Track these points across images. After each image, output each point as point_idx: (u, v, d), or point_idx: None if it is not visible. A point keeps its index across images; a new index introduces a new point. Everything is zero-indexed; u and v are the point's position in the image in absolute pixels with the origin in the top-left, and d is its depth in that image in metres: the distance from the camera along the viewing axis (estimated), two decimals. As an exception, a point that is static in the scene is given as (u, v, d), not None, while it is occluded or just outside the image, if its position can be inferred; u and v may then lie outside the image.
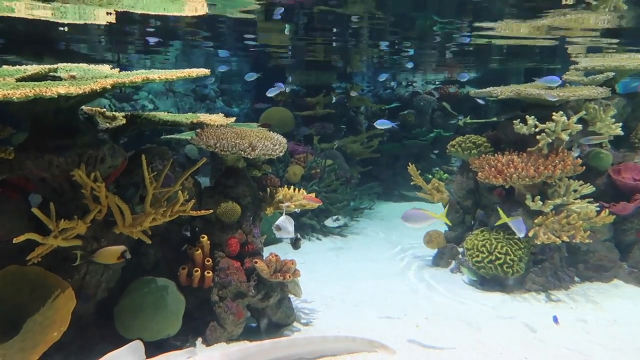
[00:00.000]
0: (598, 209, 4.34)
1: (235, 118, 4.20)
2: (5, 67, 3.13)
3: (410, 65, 8.09)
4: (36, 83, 2.58)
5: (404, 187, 8.65)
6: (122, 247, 2.92)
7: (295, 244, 3.34)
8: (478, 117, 9.06)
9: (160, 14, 4.99)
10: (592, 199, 4.39)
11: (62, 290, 2.70)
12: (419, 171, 5.38)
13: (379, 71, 12.87)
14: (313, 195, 3.91)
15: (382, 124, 3.61)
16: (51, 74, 3.06)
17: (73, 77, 2.99)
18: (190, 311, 3.37)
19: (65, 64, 3.38)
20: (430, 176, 8.12)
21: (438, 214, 3.41)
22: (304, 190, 3.95)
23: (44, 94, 2.28)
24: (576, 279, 4.70)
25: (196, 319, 3.47)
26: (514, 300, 4.28)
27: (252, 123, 6.24)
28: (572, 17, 5.19)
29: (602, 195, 4.72)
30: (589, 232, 4.20)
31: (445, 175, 8.69)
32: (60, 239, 2.66)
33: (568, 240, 4.17)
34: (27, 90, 2.27)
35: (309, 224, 6.51)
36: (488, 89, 5.08)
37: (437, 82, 13.30)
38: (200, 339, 3.46)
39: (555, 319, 3.81)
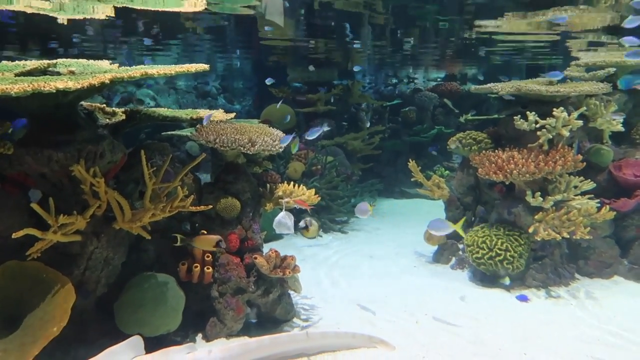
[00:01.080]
0: (599, 205, 4.33)
1: (235, 114, 4.20)
2: (4, 62, 3.13)
3: (358, 69, 8.22)
4: (35, 78, 2.58)
5: (405, 183, 8.65)
6: (217, 237, 3.08)
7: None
8: (479, 113, 9.04)
9: (159, 9, 4.97)
10: (592, 195, 4.38)
11: (62, 286, 2.70)
12: (420, 168, 5.38)
13: (380, 68, 12.86)
14: (313, 192, 3.91)
15: (312, 134, 3.57)
16: (50, 69, 3.06)
17: (72, 72, 2.99)
18: (190, 307, 3.38)
19: (64, 59, 3.38)
20: (431, 173, 8.11)
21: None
22: (304, 187, 3.95)
23: (42, 88, 2.28)
24: (576, 275, 4.69)
25: (196, 315, 3.48)
26: (514, 297, 4.28)
27: (253, 120, 6.23)
28: (574, 13, 5.16)
29: (603, 191, 4.71)
30: (589, 228, 4.19)
31: (447, 172, 8.68)
32: (60, 234, 2.66)
33: (568, 236, 4.16)
34: (26, 85, 2.27)
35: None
36: (489, 85, 5.06)
37: (438, 79, 13.27)
38: (200, 335, 3.47)
39: (522, 298, 3.86)
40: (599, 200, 4.41)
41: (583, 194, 4.37)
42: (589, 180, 4.38)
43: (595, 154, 4.84)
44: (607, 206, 4.36)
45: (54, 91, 2.30)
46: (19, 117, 3.12)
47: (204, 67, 2.99)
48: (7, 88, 2.19)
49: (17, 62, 3.14)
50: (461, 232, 3.75)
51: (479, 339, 3.49)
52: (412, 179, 5.45)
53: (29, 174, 2.83)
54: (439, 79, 13.41)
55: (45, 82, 2.33)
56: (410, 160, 5.35)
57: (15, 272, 2.72)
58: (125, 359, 2.63)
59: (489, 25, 6.32)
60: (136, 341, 2.74)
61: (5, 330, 2.62)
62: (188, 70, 2.86)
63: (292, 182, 3.97)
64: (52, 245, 2.71)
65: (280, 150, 3.63)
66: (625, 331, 3.62)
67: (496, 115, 7.82)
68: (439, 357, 3.23)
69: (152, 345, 2.88)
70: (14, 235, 2.43)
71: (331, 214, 6.72)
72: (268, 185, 3.88)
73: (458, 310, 4.00)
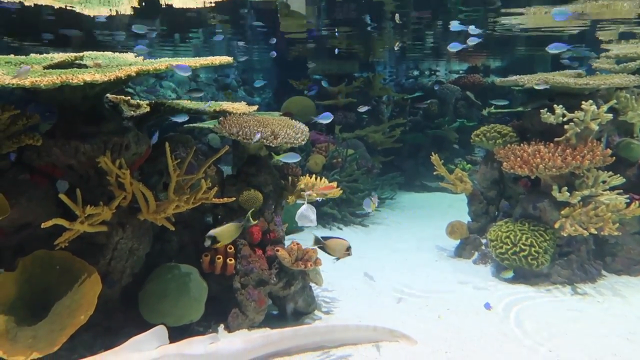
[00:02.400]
0: (628, 200, 4.22)
1: (257, 107, 4.20)
2: (32, 55, 3.18)
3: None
4: (63, 70, 2.62)
5: (425, 177, 8.58)
6: (347, 242, 3.14)
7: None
8: (502, 107, 8.88)
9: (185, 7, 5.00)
10: (621, 191, 4.26)
11: (89, 275, 2.75)
12: (442, 161, 5.32)
13: (401, 60, 12.73)
14: (334, 184, 3.89)
15: (325, 117, 3.56)
16: (77, 62, 3.10)
17: (98, 65, 3.02)
18: (213, 298, 3.41)
19: (90, 52, 3.42)
20: (452, 167, 8.02)
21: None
22: (325, 179, 3.94)
23: (70, 81, 2.31)
24: (603, 272, 4.59)
25: (218, 306, 3.51)
26: (539, 293, 4.21)
27: (274, 112, 6.24)
28: (604, 3, 5.02)
29: (633, 186, 4.58)
30: (617, 224, 4.08)
31: (469, 165, 8.57)
32: (87, 225, 2.70)
33: (596, 232, 4.07)
34: (54, 78, 2.30)
35: (330, 213, 6.50)
36: (514, 77, 4.97)
37: (460, 72, 13.09)
38: (222, 325, 3.50)
39: (487, 305, 3.86)
40: (628, 195, 4.30)
41: (612, 189, 4.26)
42: (618, 175, 4.27)
43: (625, 148, 4.71)
44: (637, 202, 4.23)
45: (82, 84, 2.33)
46: (46, 109, 3.17)
47: (228, 59, 2.99)
48: (36, 80, 2.23)
49: (44, 54, 3.19)
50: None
51: (502, 334, 3.45)
52: (434, 173, 5.39)
53: (57, 165, 2.88)
54: (461, 72, 13.22)
55: (73, 75, 2.36)
56: (433, 153, 5.30)
57: (43, 261, 2.78)
58: (149, 348, 2.67)
59: (515, 15, 6.19)
60: (160, 331, 2.78)
61: (34, 318, 2.69)
62: (212, 63, 2.87)
63: (313, 175, 3.96)
64: (79, 236, 2.76)
65: (303, 143, 3.62)
66: (655, 330, 3.53)
67: (520, 108, 7.67)
68: (462, 352, 3.20)
69: (175, 335, 2.91)
70: (43, 225, 2.48)
71: (352, 207, 6.70)
72: (290, 177, 3.88)
73: (481, 306, 3.94)
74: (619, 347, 3.29)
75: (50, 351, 2.48)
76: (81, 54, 3.24)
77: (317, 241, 3.19)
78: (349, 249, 3.24)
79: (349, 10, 6.19)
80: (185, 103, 3.80)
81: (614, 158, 4.28)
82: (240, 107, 3.92)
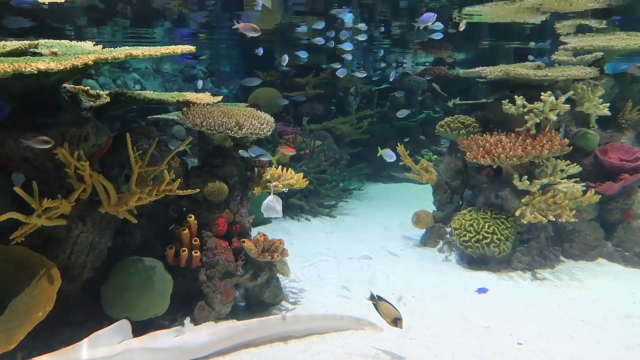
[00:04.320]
0: (584, 188, 4.38)
1: (222, 97, 4.15)
2: (-17, 43, 3.04)
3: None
4: (15, 59, 2.52)
5: (392, 168, 8.65)
6: (398, 313, 2.83)
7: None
8: (468, 98, 9.05)
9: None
10: (578, 179, 4.42)
11: (47, 270, 2.67)
12: (408, 152, 5.38)
13: (367, 52, 12.77)
14: (302, 176, 3.89)
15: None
16: (32, 50, 2.98)
17: (54, 54, 2.92)
18: (179, 290, 3.37)
19: (46, 40, 3.30)
20: (419, 157, 8.13)
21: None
22: (292, 170, 3.93)
23: (23, 69, 2.23)
24: (562, 257, 4.76)
25: (184, 299, 3.47)
26: (500, 279, 4.33)
27: (241, 103, 6.17)
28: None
29: (589, 175, 4.76)
30: (574, 211, 4.24)
31: (435, 156, 8.70)
32: (44, 218, 2.62)
33: (554, 219, 4.21)
34: (6, 66, 2.22)
35: (297, 205, 6.50)
36: (477, 68, 5.06)
37: (427, 64, 13.24)
38: (188, 319, 3.47)
39: (482, 290, 4.03)
40: (584, 183, 4.46)
41: (569, 177, 4.41)
42: (575, 164, 4.42)
43: (582, 138, 4.88)
44: (593, 189, 4.41)
45: (36, 72, 2.25)
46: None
47: (190, 48, 2.94)
48: (-14, 68, 2.14)
49: (-4, 42, 3.06)
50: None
51: (465, 320, 3.54)
52: (400, 163, 5.45)
53: (12, 157, 2.78)
54: (427, 64, 13.37)
55: (26, 63, 2.27)
56: (398, 144, 5.35)
57: (-1, 256, 2.68)
58: (112, 342, 2.62)
59: (477, 10, 6.30)
60: (123, 325, 2.73)
61: (-11, 315, 2.60)
62: (174, 52, 2.81)
63: (280, 166, 3.95)
64: (37, 230, 2.68)
65: (268, 134, 3.60)
66: (609, 312, 3.69)
67: (484, 100, 7.84)
68: (426, 338, 3.27)
69: (139, 328, 2.88)
70: (-3, 219, 2.39)
71: (319, 198, 6.72)
72: (256, 169, 3.85)
73: (445, 293, 4.04)
74: (575, 328, 3.42)
75: (6, 349, 2.40)
76: (36, 41, 3.12)
77: (372, 298, 2.97)
78: (397, 321, 2.83)
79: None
80: (147, 93, 3.72)
81: (572, 147, 4.44)
82: (204, 97, 3.86)
